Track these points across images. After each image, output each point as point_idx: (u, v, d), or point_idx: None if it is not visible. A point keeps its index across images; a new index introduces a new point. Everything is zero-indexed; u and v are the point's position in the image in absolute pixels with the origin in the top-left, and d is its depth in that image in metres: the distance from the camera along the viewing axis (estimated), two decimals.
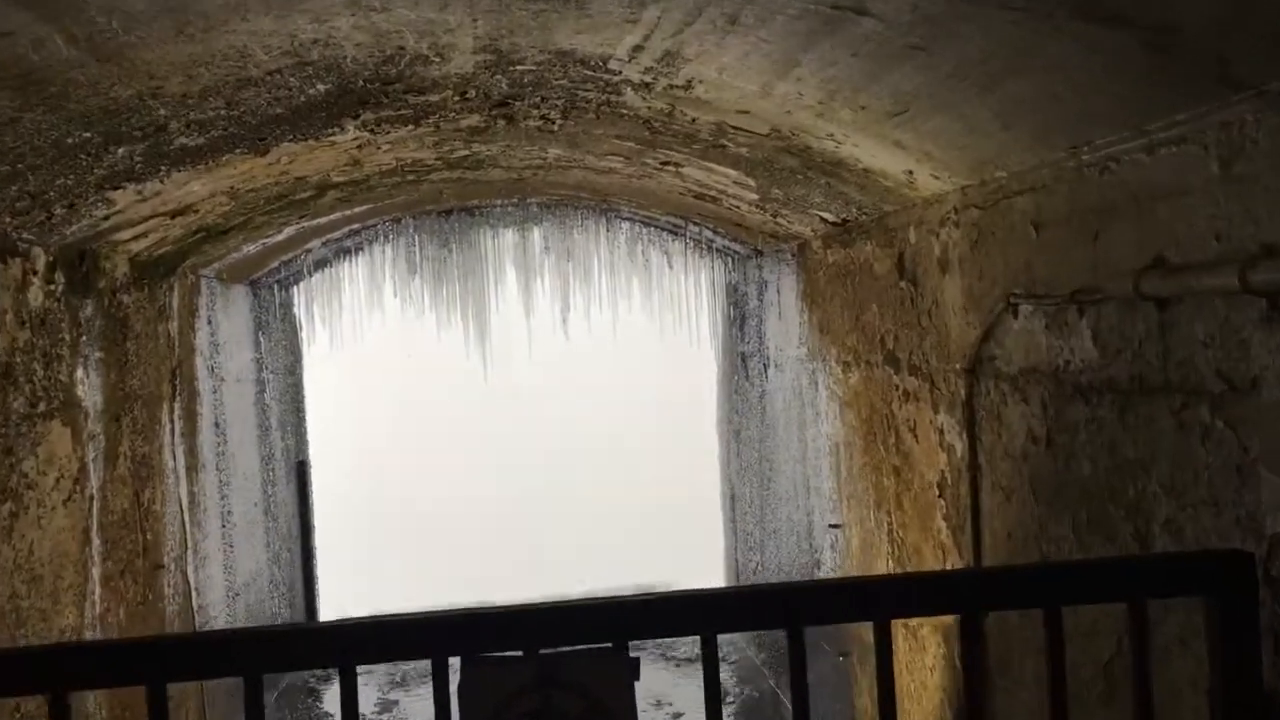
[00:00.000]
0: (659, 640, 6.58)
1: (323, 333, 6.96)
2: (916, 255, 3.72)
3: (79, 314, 3.65)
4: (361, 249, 6.73)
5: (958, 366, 3.36)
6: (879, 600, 1.80)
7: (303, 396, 7.26)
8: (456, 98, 3.39)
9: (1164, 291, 2.21)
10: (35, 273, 3.32)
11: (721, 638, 1.85)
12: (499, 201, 6.58)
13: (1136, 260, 2.31)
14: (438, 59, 2.91)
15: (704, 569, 7.73)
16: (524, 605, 1.79)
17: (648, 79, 3.13)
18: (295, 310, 6.91)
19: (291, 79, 2.85)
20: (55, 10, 2.03)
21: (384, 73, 2.97)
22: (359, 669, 1.79)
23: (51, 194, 3.06)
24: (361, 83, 3.04)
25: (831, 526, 4.91)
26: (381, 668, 6.95)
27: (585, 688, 1.77)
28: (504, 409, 9.08)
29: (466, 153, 4.44)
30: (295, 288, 6.86)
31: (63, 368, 3.50)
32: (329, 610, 7.59)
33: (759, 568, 6.75)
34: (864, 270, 4.35)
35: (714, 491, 7.71)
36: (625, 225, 6.83)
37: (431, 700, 1.79)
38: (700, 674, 1.84)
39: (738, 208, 5.16)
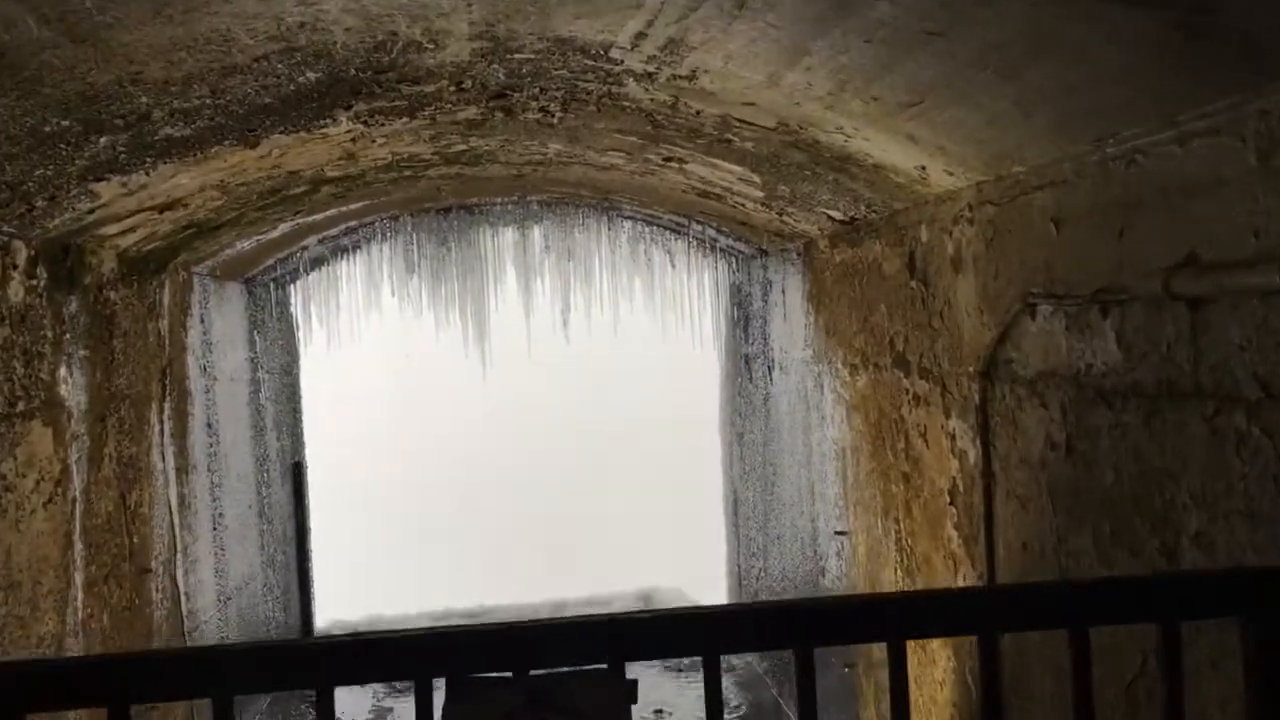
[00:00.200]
0: None
1: (320, 332, 6.84)
2: (928, 254, 3.60)
3: (63, 310, 3.53)
4: (359, 247, 6.62)
5: (971, 369, 3.23)
6: (893, 620, 1.68)
7: (299, 396, 7.14)
8: (452, 88, 3.27)
9: (1196, 291, 2.09)
10: (15, 267, 3.21)
11: None
12: (499, 199, 6.46)
13: (1166, 258, 2.18)
14: (431, 46, 2.79)
15: (706, 574, 7.61)
16: (514, 623, 1.67)
17: (650, 69, 3.01)
18: (292, 309, 6.79)
19: (279, 66, 2.73)
20: None
21: (376, 60, 2.86)
22: None
23: (30, 185, 2.95)
24: (353, 71, 2.93)
25: (837, 533, 4.78)
26: None
27: (579, 712, 1.65)
28: (504, 410, 8.96)
29: (464, 147, 4.32)
30: (292, 286, 6.74)
31: (44, 366, 3.39)
32: (325, 614, 7.48)
33: (762, 573, 6.62)
34: (873, 270, 4.22)
35: (716, 495, 7.59)
36: (627, 224, 6.71)
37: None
38: (701, 681, 1.72)
39: (742, 206, 5.04)
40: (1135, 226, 2.33)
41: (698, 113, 3.44)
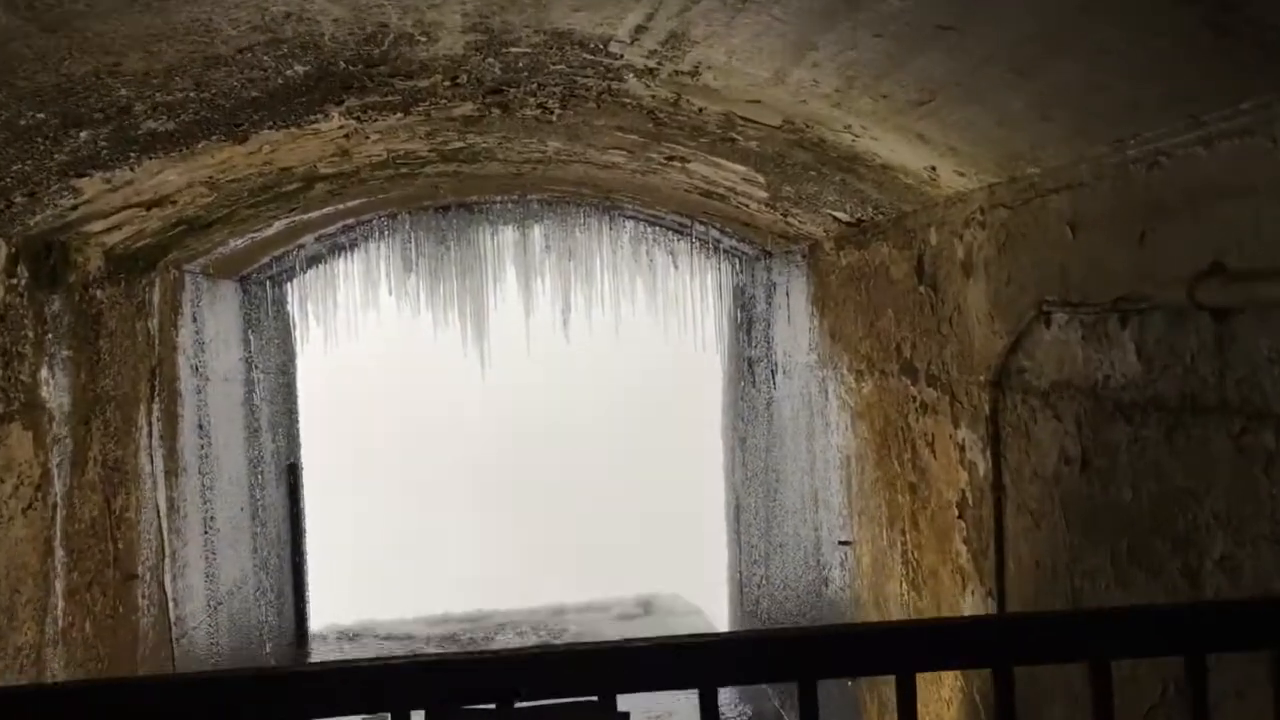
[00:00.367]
0: None
1: (316, 331, 6.73)
2: (937, 258, 3.49)
3: (45, 310, 3.43)
4: (356, 245, 6.52)
5: (981, 378, 3.12)
6: (903, 652, 1.58)
7: (295, 397, 7.05)
8: (447, 83, 3.16)
9: (1223, 300, 1.98)
10: None
11: None
12: (498, 198, 6.36)
13: (1190, 266, 2.07)
14: (424, 38, 2.69)
15: (706, 580, 7.50)
16: (498, 651, 1.57)
17: (651, 64, 2.90)
18: (288, 307, 6.69)
19: (265, 58, 2.63)
20: None
21: (366, 53, 2.75)
22: None
23: (8, 180, 2.84)
24: (343, 64, 2.82)
25: (841, 543, 4.67)
26: None
27: None
28: (503, 411, 8.87)
29: (461, 144, 4.21)
30: (288, 284, 6.64)
31: (25, 367, 3.28)
32: (320, 618, 7.38)
33: (763, 581, 6.51)
34: (879, 273, 4.11)
35: (717, 500, 7.48)
36: (629, 224, 6.60)
37: None
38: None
39: (746, 206, 4.93)
40: (1157, 232, 2.22)
41: (700, 110, 3.34)
